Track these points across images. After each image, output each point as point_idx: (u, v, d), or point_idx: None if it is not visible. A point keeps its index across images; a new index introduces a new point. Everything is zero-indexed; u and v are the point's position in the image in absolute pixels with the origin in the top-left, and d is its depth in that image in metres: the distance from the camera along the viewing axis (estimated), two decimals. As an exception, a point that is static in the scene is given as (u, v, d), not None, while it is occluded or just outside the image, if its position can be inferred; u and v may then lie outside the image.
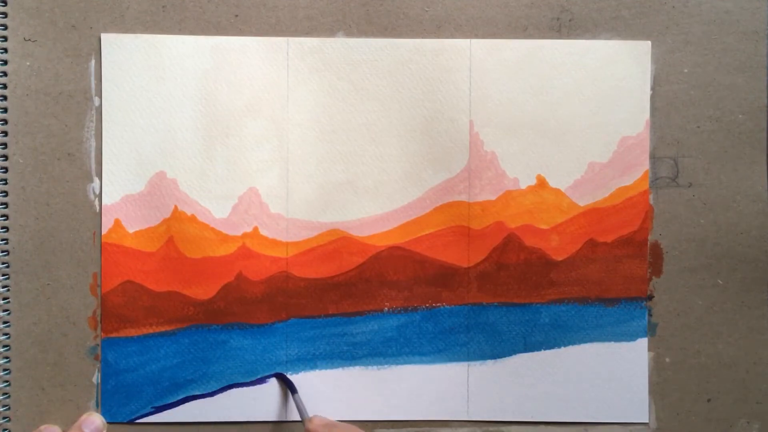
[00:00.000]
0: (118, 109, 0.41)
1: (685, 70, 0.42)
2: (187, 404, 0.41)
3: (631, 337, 0.42)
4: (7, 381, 0.40)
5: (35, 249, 0.40)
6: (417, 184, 0.41)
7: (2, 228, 0.40)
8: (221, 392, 0.41)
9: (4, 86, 0.40)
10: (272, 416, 0.41)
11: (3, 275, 0.40)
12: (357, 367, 0.42)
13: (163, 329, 0.41)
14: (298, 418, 0.41)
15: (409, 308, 0.42)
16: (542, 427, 0.42)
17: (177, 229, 0.41)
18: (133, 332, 0.41)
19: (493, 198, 0.41)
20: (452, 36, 0.41)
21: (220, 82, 0.41)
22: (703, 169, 0.42)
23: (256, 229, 0.41)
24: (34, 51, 0.40)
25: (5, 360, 0.40)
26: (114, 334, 0.41)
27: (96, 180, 0.41)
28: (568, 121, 0.41)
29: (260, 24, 0.41)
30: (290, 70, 0.41)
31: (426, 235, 0.42)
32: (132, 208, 0.41)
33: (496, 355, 0.42)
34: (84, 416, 0.40)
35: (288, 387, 0.41)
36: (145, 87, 0.41)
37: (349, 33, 0.41)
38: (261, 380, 0.41)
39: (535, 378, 0.42)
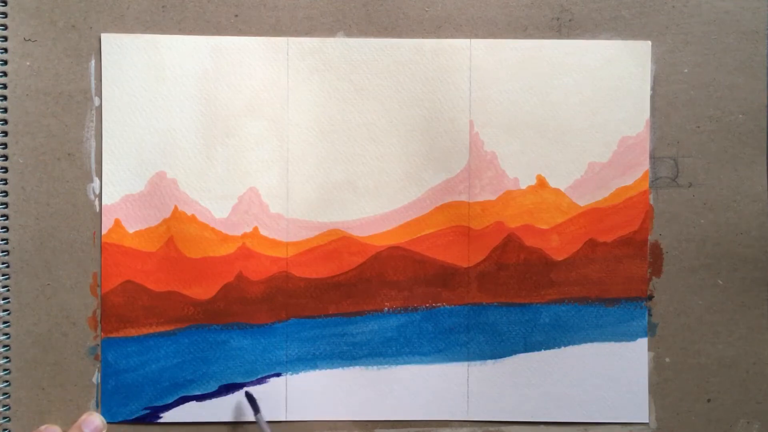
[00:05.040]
0: (118, 109, 0.41)
1: (685, 70, 0.42)
2: (186, 404, 0.41)
3: (631, 337, 0.42)
4: (7, 381, 0.40)
5: (35, 249, 0.40)
6: (417, 184, 0.41)
7: (2, 228, 0.40)
8: (221, 392, 0.41)
9: (4, 86, 0.40)
10: (272, 416, 0.41)
11: (3, 275, 0.40)
12: (357, 367, 0.42)
13: (163, 329, 0.41)
14: (299, 418, 0.41)
15: (409, 308, 0.42)
16: (542, 427, 0.42)
17: (177, 229, 0.41)
18: (133, 332, 0.41)
19: (493, 198, 0.41)
20: (452, 36, 0.41)
21: (220, 82, 0.41)
22: (703, 169, 0.42)
23: (256, 229, 0.41)
24: (34, 51, 0.40)
25: (5, 360, 0.40)
26: (114, 334, 0.41)
27: (96, 180, 0.41)
28: (568, 121, 0.41)
29: (260, 24, 0.41)
30: (290, 70, 0.41)
31: (426, 235, 0.42)
32: (132, 208, 0.41)
33: (496, 355, 0.42)
34: (84, 416, 0.40)
35: (252, 406, 0.40)
36: (145, 87, 0.41)
37: (349, 33, 0.41)
38: (261, 380, 0.41)
39: (535, 378, 0.42)
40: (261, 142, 0.41)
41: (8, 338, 0.40)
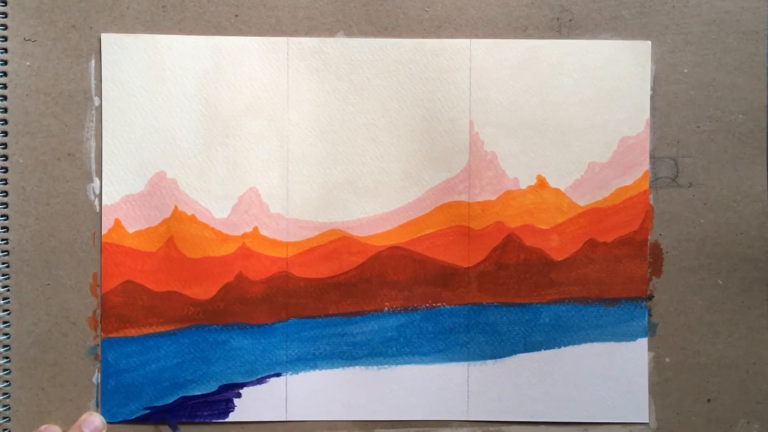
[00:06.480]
0: (118, 109, 0.41)
1: (685, 70, 0.42)
2: (186, 404, 0.41)
3: (631, 337, 0.42)
4: (7, 381, 0.40)
5: (35, 249, 0.40)
6: (417, 184, 0.41)
7: (2, 228, 0.40)
8: (221, 392, 0.41)
9: (4, 86, 0.40)
10: (272, 416, 0.41)
11: (3, 275, 0.40)
12: (357, 367, 0.42)
13: (163, 329, 0.41)
14: (299, 418, 0.41)
15: (409, 308, 0.42)
16: (542, 427, 0.42)
17: (177, 229, 0.41)
18: (133, 332, 0.41)
19: (493, 198, 0.41)
20: (452, 36, 0.41)
21: (220, 82, 0.41)
22: (703, 169, 0.42)
23: (256, 229, 0.41)
24: (34, 51, 0.40)
25: (5, 360, 0.40)
26: (114, 334, 0.41)
27: (96, 180, 0.41)
28: (568, 121, 0.41)
29: (260, 24, 0.41)
30: (290, 70, 0.41)
31: (426, 235, 0.42)
32: (132, 208, 0.41)
33: (496, 355, 0.42)
34: (84, 416, 0.40)
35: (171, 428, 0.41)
36: (145, 87, 0.41)
37: (349, 33, 0.41)
38: (261, 380, 0.41)
39: (535, 378, 0.42)
40: (261, 142, 0.41)
41: (8, 338, 0.40)
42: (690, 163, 0.42)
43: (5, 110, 0.40)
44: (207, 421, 0.41)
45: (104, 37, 0.40)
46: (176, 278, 0.41)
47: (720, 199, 0.42)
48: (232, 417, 0.41)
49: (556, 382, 0.42)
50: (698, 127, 0.42)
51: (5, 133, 0.40)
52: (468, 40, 0.41)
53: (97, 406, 0.41)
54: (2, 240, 0.40)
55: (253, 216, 0.41)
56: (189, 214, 0.41)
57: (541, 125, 0.41)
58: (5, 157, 0.40)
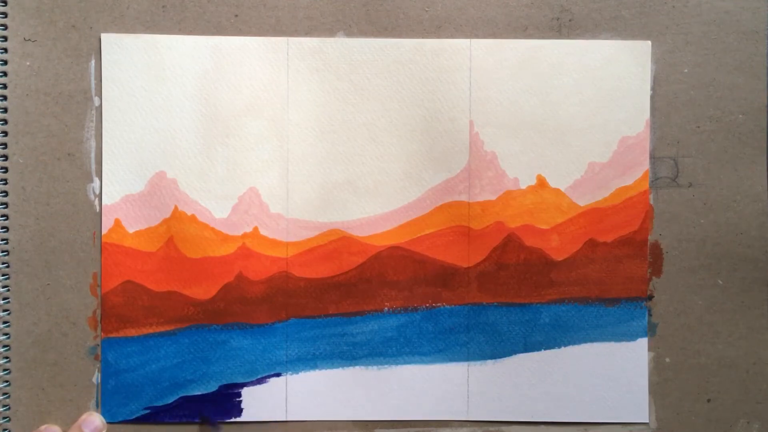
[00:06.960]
0: (118, 109, 0.41)
1: (685, 70, 0.42)
2: (186, 404, 0.41)
3: (631, 337, 0.42)
4: (7, 381, 0.40)
5: (35, 249, 0.40)
6: (417, 184, 0.41)
7: (2, 228, 0.40)
8: (221, 392, 0.41)
9: (4, 86, 0.40)
10: (272, 416, 0.41)
11: (3, 275, 0.40)
12: (357, 367, 0.42)
13: (163, 329, 0.41)
14: (299, 418, 0.41)
15: (409, 308, 0.42)
16: (542, 427, 0.42)
17: (177, 229, 0.41)
18: (133, 332, 0.41)
19: (493, 198, 0.41)
20: (452, 36, 0.41)
21: (220, 82, 0.41)
22: (703, 169, 0.42)
23: (256, 229, 0.41)
24: (34, 51, 0.40)
25: (5, 360, 0.40)
26: (114, 334, 0.41)
27: (96, 180, 0.41)
28: (568, 121, 0.41)
29: (260, 24, 0.41)
30: (290, 70, 0.41)
31: (426, 235, 0.42)
32: (132, 208, 0.41)
33: (496, 355, 0.42)
34: (84, 416, 0.40)
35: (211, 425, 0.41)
36: (145, 87, 0.41)
37: (349, 33, 0.41)
38: (261, 380, 0.41)
39: (535, 378, 0.42)
40: (261, 142, 0.41)
41: (8, 338, 0.40)
42: (690, 163, 0.42)
43: (5, 110, 0.40)
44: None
45: (104, 37, 0.40)
46: (176, 278, 0.41)
47: (720, 199, 0.42)
48: (232, 417, 0.41)
49: (556, 382, 0.42)
50: (698, 127, 0.42)
51: (5, 133, 0.40)
52: (468, 40, 0.41)
53: (97, 406, 0.41)
54: (2, 240, 0.40)
55: (253, 216, 0.41)
56: (189, 214, 0.41)
57: (541, 125, 0.41)
58: (5, 157, 0.40)
